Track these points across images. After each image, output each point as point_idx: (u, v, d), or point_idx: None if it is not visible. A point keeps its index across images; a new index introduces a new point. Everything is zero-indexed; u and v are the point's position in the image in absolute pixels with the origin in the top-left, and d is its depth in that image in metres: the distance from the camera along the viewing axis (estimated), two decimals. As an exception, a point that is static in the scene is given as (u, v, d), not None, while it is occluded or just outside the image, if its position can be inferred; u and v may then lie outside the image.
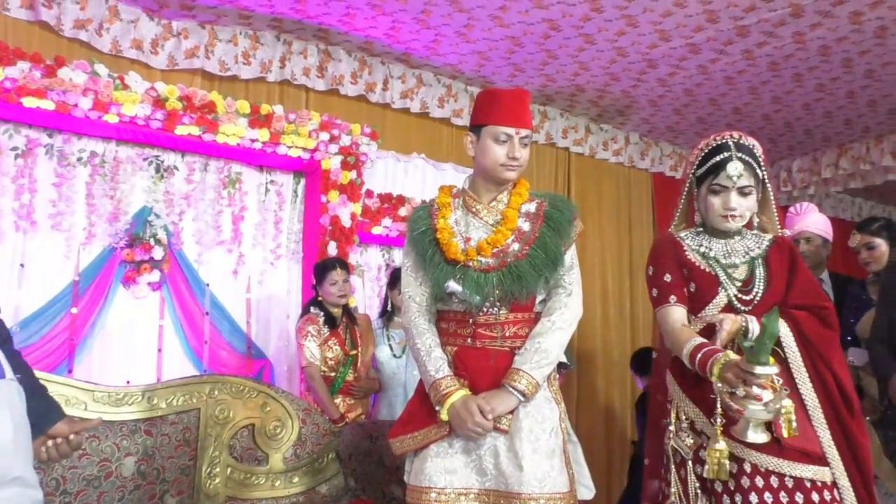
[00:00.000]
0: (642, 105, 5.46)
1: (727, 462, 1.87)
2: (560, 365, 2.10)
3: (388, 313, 4.06)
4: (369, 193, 4.50)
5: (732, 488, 1.92)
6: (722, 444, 1.87)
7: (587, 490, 2.10)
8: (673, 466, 2.03)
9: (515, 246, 2.02)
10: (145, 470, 2.60)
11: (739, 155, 2.06)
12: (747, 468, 1.91)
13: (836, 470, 1.92)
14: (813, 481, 1.89)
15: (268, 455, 2.74)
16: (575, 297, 2.06)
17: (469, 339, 2.03)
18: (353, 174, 4.29)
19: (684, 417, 2.04)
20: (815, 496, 1.88)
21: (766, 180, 2.13)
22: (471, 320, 2.03)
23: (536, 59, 4.71)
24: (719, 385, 1.83)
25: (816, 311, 2.03)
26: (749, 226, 2.16)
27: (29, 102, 3.39)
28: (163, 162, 4.06)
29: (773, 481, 1.88)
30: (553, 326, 2.00)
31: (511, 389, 1.93)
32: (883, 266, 3.32)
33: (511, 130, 2.04)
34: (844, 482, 1.91)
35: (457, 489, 1.94)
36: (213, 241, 4.18)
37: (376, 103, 4.83)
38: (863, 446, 1.95)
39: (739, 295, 2.06)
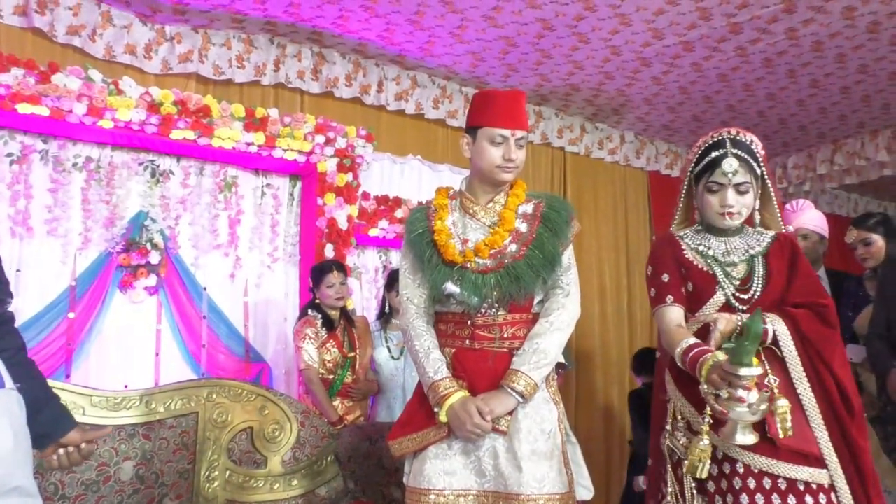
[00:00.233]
0: (637, 104, 5.47)
1: (707, 462, 1.83)
2: (558, 365, 2.10)
3: (386, 315, 4.06)
4: (365, 195, 4.49)
5: (725, 488, 1.89)
6: (706, 443, 1.83)
7: (586, 490, 2.10)
8: (669, 466, 2.01)
9: (513, 247, 2.02)
10: (144, 474, 2.59)
11: (735, 151, 2.03)
12: (740, 469, 1.88)
13: (833, 472, 1.87)
14: (807, 484, 1.85)
15: (266, 458, 2.74)
16: (573, 298, 2.06)
17: (467, 341, 2.03)
18: (349, 176, 4.29)
19: (680, 417, 2.01)
20: (808, 499, 1.83)
21: (766, 176, 2.09)
22: (469, 322, 2.02)
23: (531, 59, 4.71)
24: (705, 387, 1.79)
25: (816, 308, 1.98)
26: (750, 222, 2.13)
27: (23, 109, 3.39)
28: (158, 166, 4.06)
29: (766, 483, 1.84)
30: (551, 327, 2.00)
31: (509, 390, 1.93)
32: (880, 262, 3.32)
33: (507, 132, 2.04)
34: (842, 485, 1.86)
35: (456, 490, 1.94)
36: (210, 244, 4.17)
37: (371, 105, 4.83)
38: (863, 449, 1.90)
39: (737, 294, 2.02)
